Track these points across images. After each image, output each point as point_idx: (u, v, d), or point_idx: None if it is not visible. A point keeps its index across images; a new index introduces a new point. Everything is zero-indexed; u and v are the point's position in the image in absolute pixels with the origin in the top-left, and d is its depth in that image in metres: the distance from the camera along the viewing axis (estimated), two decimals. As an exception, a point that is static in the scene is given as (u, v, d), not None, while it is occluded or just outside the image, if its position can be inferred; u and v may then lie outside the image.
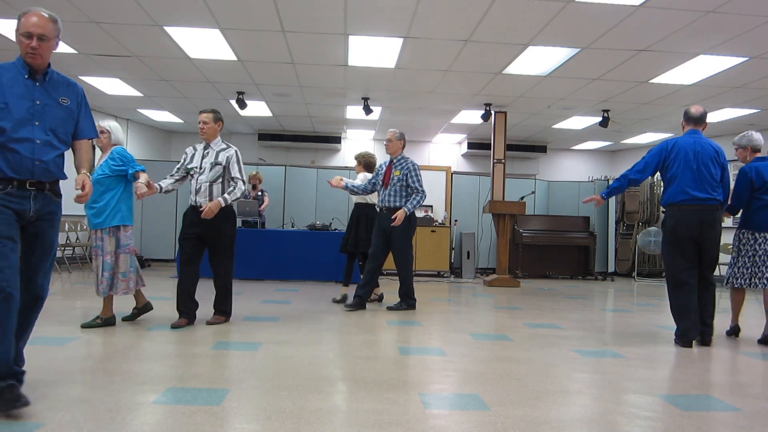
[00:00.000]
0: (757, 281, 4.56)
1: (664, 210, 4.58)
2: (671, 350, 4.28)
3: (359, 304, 5.64)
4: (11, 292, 2.39)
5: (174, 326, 4.35)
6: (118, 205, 4.32)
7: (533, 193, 10.52)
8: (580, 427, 2.50)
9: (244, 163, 4.76)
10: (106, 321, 4.37)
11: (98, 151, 4.52)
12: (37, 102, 2.58)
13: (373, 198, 6.12)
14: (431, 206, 10.50)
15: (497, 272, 8.84)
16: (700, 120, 4.52)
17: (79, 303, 5.62)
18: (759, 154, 4.75)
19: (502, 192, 9.33)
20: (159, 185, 4.44)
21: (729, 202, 4.70)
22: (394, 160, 5.73)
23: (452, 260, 10.25)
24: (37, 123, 2.56)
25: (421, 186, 5.65)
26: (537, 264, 10.41)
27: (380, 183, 5.76)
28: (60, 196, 2.72)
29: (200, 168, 4.55)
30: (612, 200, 10.65)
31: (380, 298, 6.24)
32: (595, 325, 5.28)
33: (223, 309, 4.66)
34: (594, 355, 3.95)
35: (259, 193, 8.89)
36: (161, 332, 4.24)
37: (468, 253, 9.96)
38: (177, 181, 4.64)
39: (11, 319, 2.41)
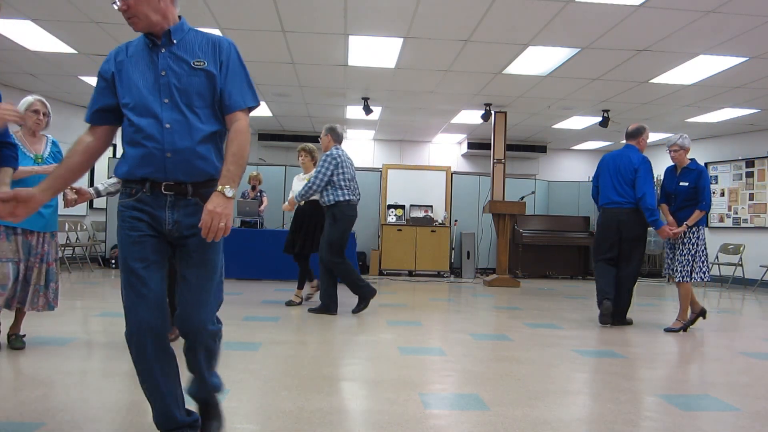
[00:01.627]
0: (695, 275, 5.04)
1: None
2: (671, 350, 4.30)
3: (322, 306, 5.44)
4: (144, 337, 1.92)
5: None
6: (57, 206, 3.63)
7: (533, 193, 10.52)
8: (580, 427, 2.50)
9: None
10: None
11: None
12: (163, 73, 1.91)
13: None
14: (431, 206, 10.51)
15: (497, 272, 8.84)
16: (631, 135, 5.21)
17: (79, 303, 5.62)
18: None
19: (502, 192, 9.33)
20: (96, 189, 3.65)
21: (703, 202, 4.89)
22: None
23: (452, 260, 10.25)
24: (166, 101, 1.90)
25: (319, 174, 5.15)
26: (537, 264, 10.41)
27: None
28: None
29: None
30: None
31: (304, 299, 6.02)
32: (595, 325, 5.28)
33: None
34: (594, 355, 3.96)
35: (258, 194, 8.89)
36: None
37: (468, 253, 9.96)
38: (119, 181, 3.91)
39: (161, 366, 1.97)
